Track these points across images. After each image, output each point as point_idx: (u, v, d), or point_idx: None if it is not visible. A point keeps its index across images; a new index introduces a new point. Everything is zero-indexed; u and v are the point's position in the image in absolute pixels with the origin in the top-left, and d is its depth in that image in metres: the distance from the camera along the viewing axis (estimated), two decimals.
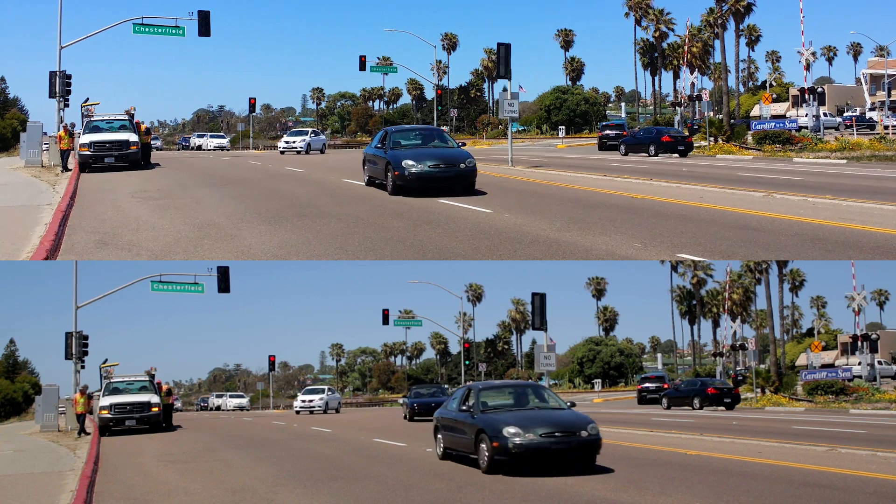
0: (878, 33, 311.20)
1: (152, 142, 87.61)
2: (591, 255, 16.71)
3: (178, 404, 78.67)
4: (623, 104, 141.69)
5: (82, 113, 45.35)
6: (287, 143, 65.19)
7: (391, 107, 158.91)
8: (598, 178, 31.76)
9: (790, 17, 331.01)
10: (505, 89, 41.32)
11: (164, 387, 35.40)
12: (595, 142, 68.36)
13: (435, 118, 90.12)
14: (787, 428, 27.18)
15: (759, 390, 52.29)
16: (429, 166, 24.23)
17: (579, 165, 41.37)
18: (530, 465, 15.04)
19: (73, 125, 40.12)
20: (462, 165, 24.63)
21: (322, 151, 64.48)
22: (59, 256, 17.22)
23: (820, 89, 62.18)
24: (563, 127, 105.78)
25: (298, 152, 62.70)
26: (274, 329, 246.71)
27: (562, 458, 15.16)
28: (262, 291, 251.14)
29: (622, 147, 55.51)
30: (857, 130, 61.11)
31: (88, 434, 27.54)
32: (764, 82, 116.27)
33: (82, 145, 37.04)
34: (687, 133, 59.56)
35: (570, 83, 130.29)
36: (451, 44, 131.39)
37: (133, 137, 38.04)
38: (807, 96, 59.37)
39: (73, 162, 37.09)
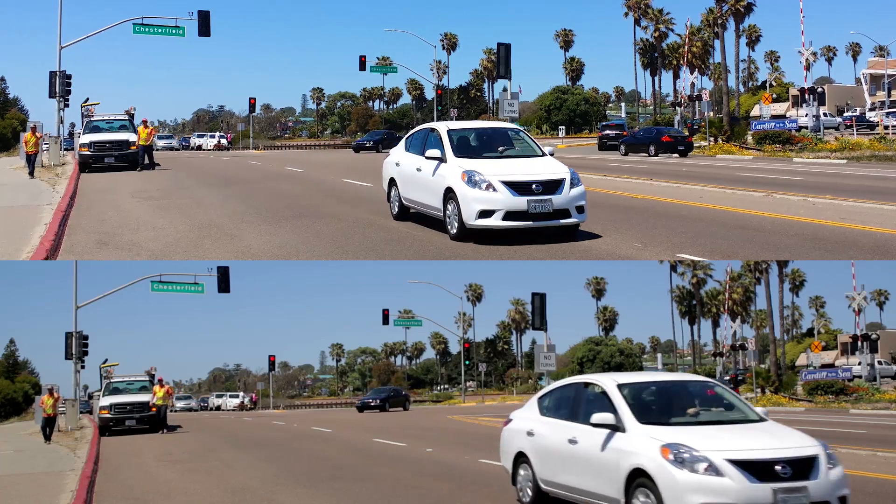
0: (878, 33, 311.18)
1: (166, 142, 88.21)
2: (591, 255, 16.70)
3: (179, 404, 78.51)
4: (623, 104, 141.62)
5: (82, 113, 45.42)
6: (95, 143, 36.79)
7: (391, 107, 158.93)
8: (598, 178, 31.77)
9: (790, 17, 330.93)
10: (505, 89, 41.34)
11: (167, 388, 32.74)
12: (595, 142, 68.37)
13: (435, 118, 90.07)
14: None
15: (759, 390, 52.29)
16: None
17: (579, 165, 41.05)
18: None
19: (73, 125, 40.11)
20: None
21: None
22: (59, 256, 17.22)
23: (820, 89, 62.15)
24: (563, 127, 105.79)
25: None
26: (274, 329, 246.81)
27: None
28: (262, 291, 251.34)
29: (622, 147, 55.52)
30: (857, 130, 61.09)
31: (54, 443, 25.03)
32: (764, 82, 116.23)
33: (82, 145, 37.07)
34: (687, 133, 59.57)
35: (570, 83, 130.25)
36: (451, 44, 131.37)
37: (133, 137, 38.10)
38: (807, 96, 59.34)
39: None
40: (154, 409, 31.73)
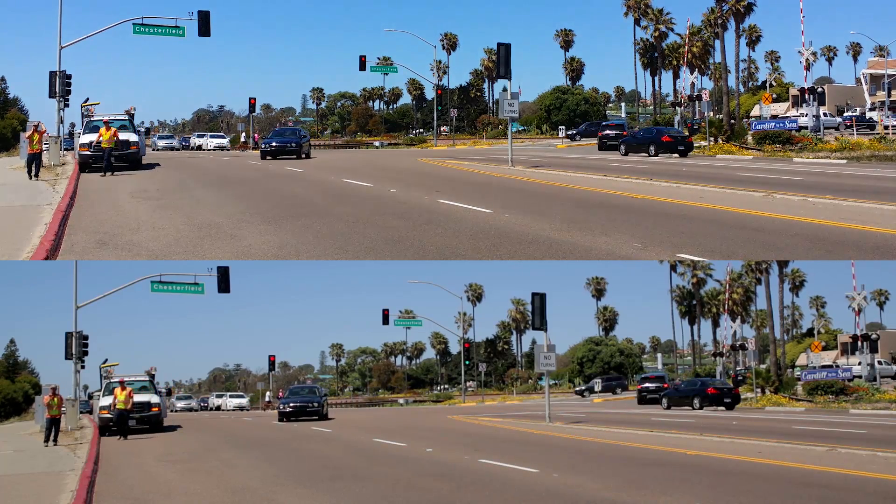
0: (878, 33, 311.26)
1: (167, 142, 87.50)
2: (591, 255, 16.71)
3: (179, 404, 78.16)
4: (623, 104, 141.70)
5: (82, 113, 45.38)
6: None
7: (391, 107, 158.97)
8: (598, 178, 31.76)
9: (790, 17, 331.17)
10: (505, 89, 41.31)
11: (128, 391, 28.91)
12: (595, 142, 68.45)
13: (435, 118, 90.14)
14: (787, 428, 27.18)
15: (759, 390, 52.27)
16: None
17: (579, 165, 41.37)
18: None
19: (73, 125, 39.76)
20: None
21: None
22: (59, 256, 17.22)
23: (820, 89, 62.12)
24: (564, 127, 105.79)
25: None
26: (274, 329, 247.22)
27: None
28: (262, 291, 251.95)
29: (622, 147, 55.46)
30: (857, 130, 61.07)
31: (57, 444, 24.28)
32: (764, 82, 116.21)
33: (82, 145, 37.01)
34: (687, 133, 59.56)
35: (570, 83, 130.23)
36: (451, 44, 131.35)
37: (133, 137, 38.07)
38: (807, 96, 59.32)
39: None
40: (158, 409, 31.64)
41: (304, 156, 48.81)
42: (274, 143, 49.63)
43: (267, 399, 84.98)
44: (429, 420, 38.63)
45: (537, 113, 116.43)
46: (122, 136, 37.41)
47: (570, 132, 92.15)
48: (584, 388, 74.46)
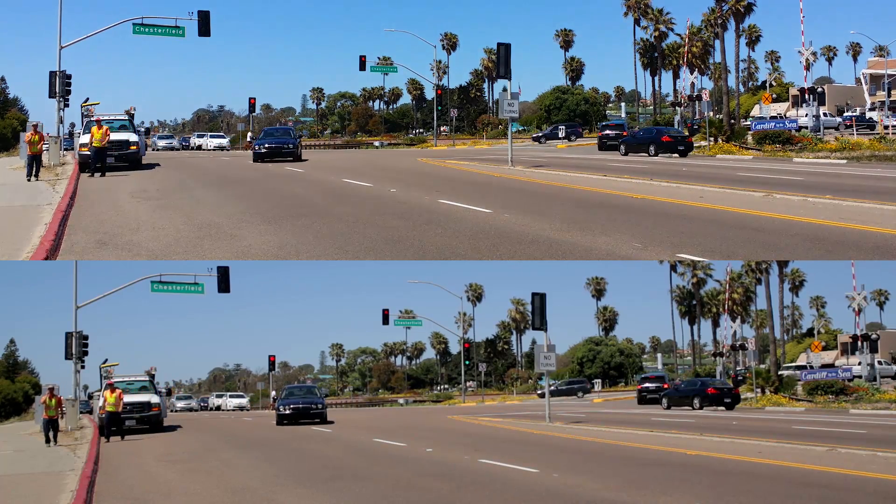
0: (878, 33, 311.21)
1: (166, 142, 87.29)
2: (591, 255, 16.71)
3: (179, 404, 78.02)
4: (623, 104, 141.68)
5: (82, 113, 45.36)
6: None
7: (391, 107, 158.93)
8: (598, 178, 31.76)
9: (790, 17, 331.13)
10: (505, 89, 41.31)
11: (118, 392, 27.73)
12: (595, 142, 68.48)
13: (435, 118, 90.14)
14: (787, 428, 27.18)
15: (759, 390, 52.27)
16: None
17: (579, 165, 41.37)
18: None
19: (73, 125, 39.69)
20: None
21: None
22: (59, 256, 17.22)
23: (820, 89, 62.13)
24: (563, 127, 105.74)
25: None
26: (274, 329, 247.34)
27: None
28: (262, 291, 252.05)
29: (622, 147, 55.48)
30: (856, 130, 61.08)
31: (57, 444, 24.17)
32: (764, 82, 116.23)
33: (82, 145, 36.98)
34: (687, 133, 59.62)
35: (569, 83, 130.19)
36: (451, 44, 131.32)
37: (133, 137, 38.05)
38: (807, 96, 59.32)
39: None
40: (158, 409, 31.61)
41: (298, 157, 45.81)
42: (267, 145, 45.77)
43: (272, 398, 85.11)
44: (429, 420, 38.63)
45: (537, 113, 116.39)
46: (123, 136, 37.40)
47: (535, 135, 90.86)
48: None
